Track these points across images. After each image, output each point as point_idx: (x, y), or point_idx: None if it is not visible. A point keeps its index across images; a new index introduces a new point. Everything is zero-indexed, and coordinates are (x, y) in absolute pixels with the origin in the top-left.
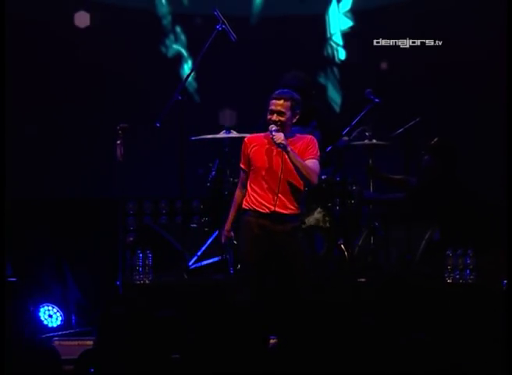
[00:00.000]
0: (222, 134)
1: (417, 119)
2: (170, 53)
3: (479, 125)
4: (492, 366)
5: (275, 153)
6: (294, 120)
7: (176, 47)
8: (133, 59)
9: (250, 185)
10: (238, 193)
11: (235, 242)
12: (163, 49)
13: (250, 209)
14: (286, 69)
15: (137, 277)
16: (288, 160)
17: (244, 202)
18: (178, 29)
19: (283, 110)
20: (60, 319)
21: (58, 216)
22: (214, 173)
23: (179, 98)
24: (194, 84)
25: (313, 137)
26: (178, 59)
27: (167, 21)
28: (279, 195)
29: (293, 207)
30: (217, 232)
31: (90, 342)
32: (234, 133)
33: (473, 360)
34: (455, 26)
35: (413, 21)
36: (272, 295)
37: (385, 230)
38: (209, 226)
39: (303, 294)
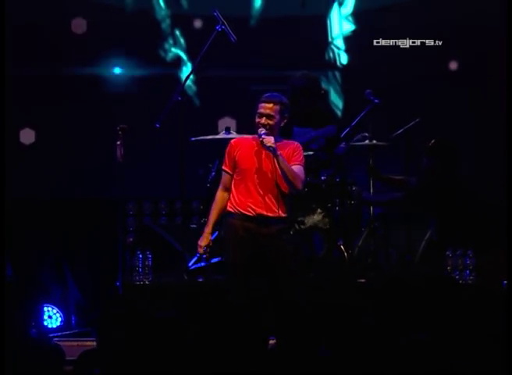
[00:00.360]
0: (222, 135)
1: (417, 120)
2: (169, 57)
3: (479, 125)
4: (492, 366)
5: (262, 156)
6: (282, 124)
7: (175, 50)
8: (132, 59)
9: (235, 187)
10: (220, 195)
11: (205, 255)
12: (162, 53)
13: (235, 212)
14: (286, 68)
15: (137, 278)
16: (275, 164)
17: (229, 204)
18: (177, 32)
19: (272, 113)
20: (60, 319)
21: (58, 217)
22: (214, 173)
23: (179, 98)
24: (194, 88)
25: (299, 144)
26: (177, 62)
27: (166, 24)
28: (265, 198)
29: (278, 210)
30: (217, 233)
31: (90, 343)
32: (234, 134)
33: (473, 360)
34: (455, 26)
35: (413, 21)
36: (260, 297)
37: (385, 231)
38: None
39: (291, 296)
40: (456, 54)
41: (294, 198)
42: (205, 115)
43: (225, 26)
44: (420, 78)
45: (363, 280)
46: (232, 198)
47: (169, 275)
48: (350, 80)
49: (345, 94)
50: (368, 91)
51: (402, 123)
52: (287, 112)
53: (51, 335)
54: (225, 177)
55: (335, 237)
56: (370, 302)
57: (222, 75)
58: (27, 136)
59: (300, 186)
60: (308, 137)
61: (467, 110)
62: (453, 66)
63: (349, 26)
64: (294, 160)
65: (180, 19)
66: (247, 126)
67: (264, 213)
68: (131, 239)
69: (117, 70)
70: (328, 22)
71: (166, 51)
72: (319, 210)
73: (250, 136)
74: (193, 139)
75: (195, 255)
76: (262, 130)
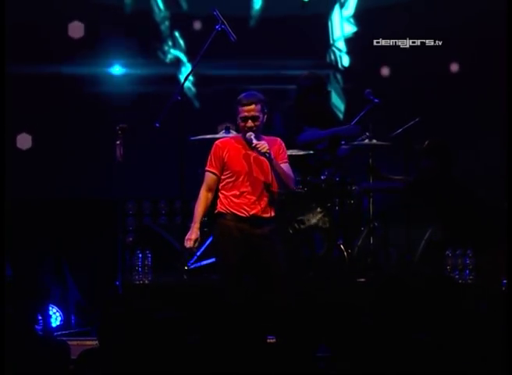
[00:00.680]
0: (222, 134)
1: (417, 120)
2: (168, 59)
3: (479, 125)
4: (492, 366)
5: (252, 157)
6: (265, 120)
7: (175, 52)
8: (132, 59)
9: (226, 189)
10: (205, 195)
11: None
12: (161, 55)
13: (227, 213)
14: (286, 69)
15: (137, 277)
16: (266, 164)
17: (220, 206)
18: (177, 33)
19: (257, 114)
20: (59, 319)
21: (57, 217)
22: None
23: (179, 98)
24: (193, 89)
25: (281, 140)
26: (177, 62)
27: (165, 26)
28: (258, 199)
29: (270, 210)
30: (211, 237)
31: (90, 342)
32: (234, 133)
33: (473, 360)
34: (455, 26)
35: (413, 21)
36: (254, 297)
37: (384, 231)
38: (208, 227)
39: (284, 296)
40: (457, 55)
41: (294, 198)
42: (205, 110)
43: (224, 25)
44: (420, 78)
45: (363, 280)
46: (223, 200)
47: (169, 275)
48: (352, 81)
49: (346, 96)
50: (368, 90)
51: (401, 123)
52: (267, 106)
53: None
54: (210, 178)
55: (335, 236)
56: (369, 302)
57: (222, 75)
58: (24, 141)
59: (292, 185)
60: (329, 132)
61: (467, 110)
62: (454, 68)
63: (350, 28)
64: (282, 158)
65: (180, 21)
66: None
67: (258, 214)
68: (131, 239)
69: (117, 70)
70: (330, 24)
71: (165, 53)
72: (319, 210)
73: (231, 137)
74: (192, 138)
75: (194, 255)
76: (251, 135)
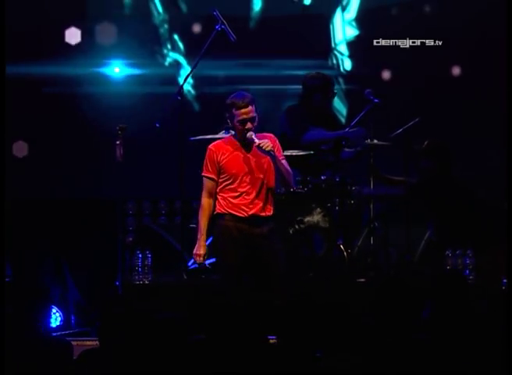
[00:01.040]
0: (221, 134)
1: (417, 120)
2: (167, 62)
3: (479, 125)
4: (492, 366)
5: (248, 157)
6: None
7: (174, 55)
8: (132, 60)
9: (223, 191)
10: (207, 202)
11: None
12: (160, 58)
13: (226, 214)
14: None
15: (137, 278)
16: (262, 163)
17: (219, 207)
18: (176, 36)
19: (254, 115)
20: (59, 319)
21: (57, 217)
22: None
23: (179, 98)
24: (193, 92)
25: (274, 136)
26: (176, 67)
27: (164, 29)
28: (256, 198)
29: (268, 209)
30: (211, 238)
31: (90, 342)
32: (233, 133)
33: (473, 360)
34: (455, 26)
35: (413, 21)
36: (254, 296)
37: (384, 231)
38: (208, 227)
39: (284, 295)
40: (457, 55)
41: (294, 198)
42: (205, 116)
43: (224, 25)
44: (420, 80)
45: (363, 280)
46: (222, 201)
47: (169, 275)
48: (353, 85)
49: (348, 99)
50: (368, 90)
51: (402, 123)
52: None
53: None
54: (209, 184)
55: (334, 236)
56: (369, 302)
57: (222, 75)
58: (20, 148)
59: (293, 182)
60: (336, 134)
61: (467, 111)
62: (455, 69)
63: (352, 31)
64: (279, 155)
65: (179, 23)
66: None
67: (257, 213)
68: (131, 239)
69: (117, 70)
70: (331, 27)
71: (164, 56)
72: (319, 209)
73: (223, 139)
74: (192, 139)
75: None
76: (252, 135)
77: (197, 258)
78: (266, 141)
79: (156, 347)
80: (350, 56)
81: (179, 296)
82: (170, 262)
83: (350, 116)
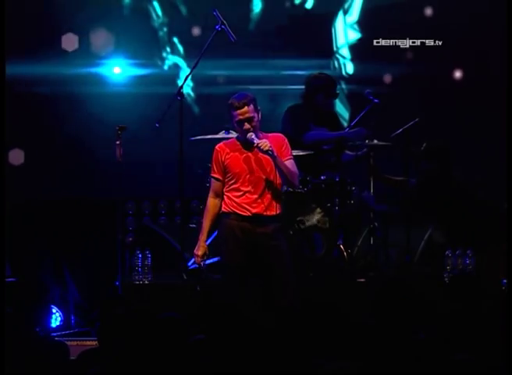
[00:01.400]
0: (221, 134)
1: (417, 120)
2: (166, 65)
3: (479, 125)
4: (492, 366)
5: (252, 156)
6: (260, 117)
7: (173, 58)
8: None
9: (228, 191)
10: (212, 203)
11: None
12: (159, 62)
13: (230, 212)
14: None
15: (136, 277)
16: (266, 163)
17: (224, 206)
18: (175, 39)
19: (251, 115)
20: (59, 319)
21: (57, 217)
22: None
23: (179, 98)
24: (193, 95)
25: (283, 136)
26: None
27: (163, 32)
28: (260, 198)
29: (273, 209)
30: (216, 232)
31: (90, 342)
32: (233, 134)
33: (473, 360)
34: (455, 26)
35: (413, 21)
36: (258, 296)
37: (384, 231)
38: (213, 227)
39: (288, 294)
40: (457, 56)
41: (294, 198)
42: (205, 116)
43: (224, 25)
44: (421, 81)
45: (362, 280)
46: (226, 200)
47: (169, 275)
48: (355, 88)
49: (350, 103)
50: (368, 90)
51: (401, 123)
52: (257, 104)
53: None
54: (215, 184)
55: (334, 236)
56: (369, 302)
57: (221, 75)
58: (16, 156)
59: (297, 182)
60: (337, 135)
61: (467, 111)
62: (456, 71)
63: (355, 35)
64: (285, 155)
65: (179, 26)
66: None
67: (260, 213)
68: (130, 238)
69: (116, 70)
70: (333, 31)
71: (163, 60)
72: (319, 210)
73: (229, 140)
74: (192, 139)
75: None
76: (252, 135)
77: (196, 258)
78: (264, 141)
79: (156, 347)
80: (352, 59)
81: (179, 296)
82: (170, 262)
83: (353, 119)
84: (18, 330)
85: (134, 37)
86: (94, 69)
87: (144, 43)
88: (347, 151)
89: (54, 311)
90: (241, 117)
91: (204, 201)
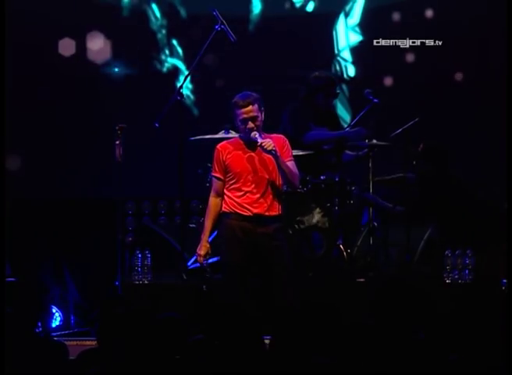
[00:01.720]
0: (221, 134)
1: (416, 120)
2: (165, 68)
3: (479, 125)
4: (492, 366)
5: (253, 156)
6: (263, 118)
7: (172, 61)
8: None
9: (229, 190)
10: (214, 202)
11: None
12: (157, 65)
13: (231, 212)
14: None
15: (136, 277)
16: (268, 163)
17: (225, 206)
18: (174, 41)
19: (255, 114)
20: (59, 319)
21: (57, 216)
22: None
23: (178, 98)
24: (192, 97)
25: (285, 137)
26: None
27: (162, 35)
28: (261, 198)
29: (275, 209)
30: (216, 232)
31: (89, 342)
32: (233, 134)
33: (473, 360)
34: (455, 26)
35: (413, 21)
36: (259, 296)
37: (384, 230)
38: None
39: (288, 294)
40: (458, 57)
41: (294, 198)
42: (205, 116)
43: (224, 25)
44: (422, 82)
45: (362, 280)
46: (227, 199)
47: (168, 274)
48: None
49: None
50: (368, 90)
51: (401, 123)
52: (263, 104)
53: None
54: (216, 184)
55: (334, 236)
56: (369, 302)
57: (222, 75)
58: (13, 162)
59: (297, 183)
60: (338, 134)
61: (467, 112)
62: (456, 71)
63: (356, 37)
64: (287, 155)
65: (178, 28)
66: None
67: (261, 213)
68: (130, 238)
69: (116, 69)
70: (334, 33)
71: (162, 63)
72: (318, 210)
73: (231, 140)
74: (192, 139)
75: (194, 255)
76: (256, 134)
77: (198, 257)
78: (268, 141)
79: (155, 347)
80: (354, 62)
81: (179, 296)
82: (170, 262)
83: (353, 120)
84: (18, 330)
85: (133, 41)
86: (94, 68)
87: (142, 45)
88: (348, 152)
89: (54, 311)
90: (245, 116)
91: (204, 201)
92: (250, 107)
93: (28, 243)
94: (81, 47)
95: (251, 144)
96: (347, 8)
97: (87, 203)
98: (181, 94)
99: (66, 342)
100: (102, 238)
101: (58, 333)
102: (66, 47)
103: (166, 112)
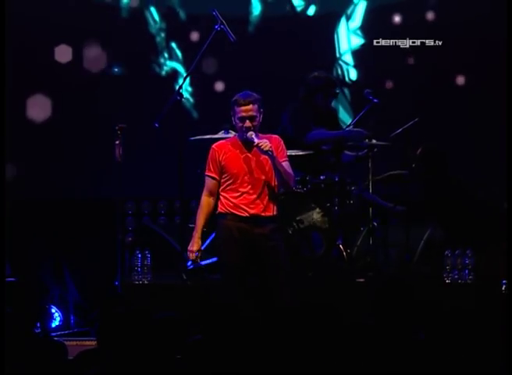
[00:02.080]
0: (221, 134)
1: (416, 120)
2: (164, 71)
3: (479, 125)
4: (492, 366)
5: (249, 157)
6: (261, 119)
7: (171, 64)
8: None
9: (225, 191)
10: (206, 201)
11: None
12: (156, 68)
13: (227, 213)
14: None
15: (136, 277)
16: (264, 164)
17: (220, 206)
18: (173, 44)
19: (254, 114)
20: (59, 319)
21: (57, 217)
22: None
23: (178, 98)
24: (192, 100)
25: (279, 137)
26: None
27: (161, 38)
28: (257, 198)
29: (271, 210)
30: (214, 234)
31: (89, 342)
32: (233, 134)
33: (472, 360)
34: (455, 26)
35: (413, 21)
36: (256, 296)
37: (383, 231)
38: (208, 227)
39: (285, 294)
40: (457, 57)
41: (294, 198)
42: (204, 116)
43: (224, 25)
44: (420, 79)
45: (362, 280)
46: (223, 200)
47: (168, 274)
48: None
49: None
50: (367, 90)
51: (401, 123)
52: (262, 105)
53: (50, 334)
54: (210, 183)
55: (334, 236)
56: (369, 302)
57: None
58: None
59: (292, 183)
60: (337, 134)
61: (467, 111)
62: (456, 72)
63: (358, 41)
64: (282, 156)
65: (177, 31)
66: None
67: (258, 213)
68: (130, 238)
69: (116, 70)
70: (336, 37)
71: (161, 66)
72: (318, 209)
73: (227, 139)
74: (191, 139)
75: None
76: (252, 134)
77: (190, 254)
78: (265, 141)
79: (155, 347)
80: (355, 66)
81: (179, 296)
82: (169, 262)
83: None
84: (18, 330)
85: (131, 45)
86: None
87: (141, 48)
88: (347, 152)
89: (53, 311)
90: (244, 114)
91: None
92: (250, 106)
93: (28, 243)
94: (81, 48)
95: (247, 145)
96: (349, 11)
97: (86, 203)
98: (181, 95)
99: (66, 342)
100: (102, 238)
101: (58, 333)
102: (63, 53)
103: (166, 113)
